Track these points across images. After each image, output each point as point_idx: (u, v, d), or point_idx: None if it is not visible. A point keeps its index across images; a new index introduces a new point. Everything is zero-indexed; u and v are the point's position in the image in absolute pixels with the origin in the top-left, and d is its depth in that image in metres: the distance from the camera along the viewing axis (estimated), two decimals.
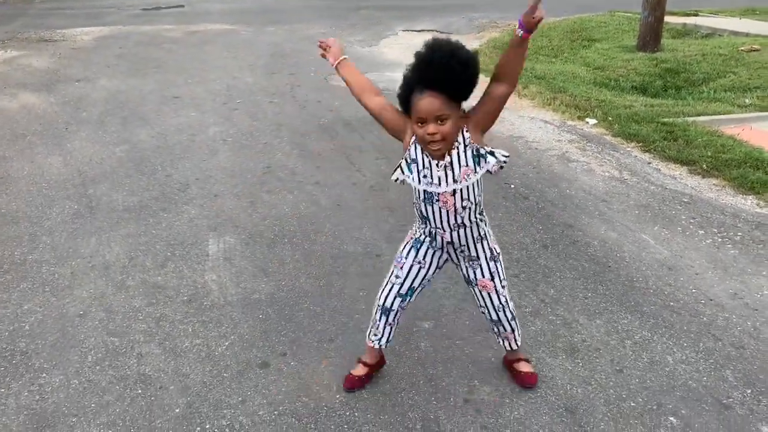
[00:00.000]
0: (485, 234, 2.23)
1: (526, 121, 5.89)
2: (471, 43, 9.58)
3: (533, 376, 2.48)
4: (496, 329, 2.41)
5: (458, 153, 2.02)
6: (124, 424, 2.28)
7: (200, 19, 12.24)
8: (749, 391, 2.46)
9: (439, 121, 1.92)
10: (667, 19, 9.88)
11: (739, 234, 3.72)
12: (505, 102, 2.04)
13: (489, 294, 2.29)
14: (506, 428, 2.27)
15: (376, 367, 2.50)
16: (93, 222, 3.82)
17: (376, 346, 2.42)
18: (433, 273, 2.31)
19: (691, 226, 3.81)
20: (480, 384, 2.48)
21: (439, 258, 2.29)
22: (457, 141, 2.01)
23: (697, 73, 7.93)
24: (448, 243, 2.20)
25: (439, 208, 2.10)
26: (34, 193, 4.24)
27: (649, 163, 4.88)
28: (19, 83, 7.17)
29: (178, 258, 3.42)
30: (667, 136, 5.29)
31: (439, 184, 2.05)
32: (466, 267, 2.27)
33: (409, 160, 2.09)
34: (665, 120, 5.68)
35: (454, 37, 2.11)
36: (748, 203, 4.15)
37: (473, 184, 2.06)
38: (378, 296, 2.36)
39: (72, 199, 4.13)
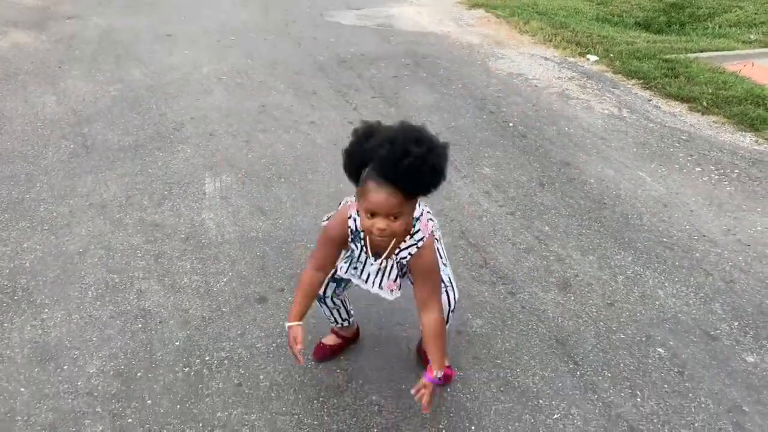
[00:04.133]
0: None
1: (526, 58, 5.79)
2: None
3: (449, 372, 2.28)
4: None
5: (393, 264, 1.88)
6: (126, 356, 2.35)
7: None
8: (736, 323, 2.52)
9: (391, 218, 1.64)
10: None
11: (736, 171, 3.71)
12: None
13: None
14: (497, 359, 2.34)
15: (349, 339, 2.39)
16: (89, 161, 3.81)
17: (337, 327, 2.34)
18: None
19: (689, 164, 3.81)
20: (472, 317, 2.54)
21: None
22: (400, 253, 1.82)
23: (702, 8, 7.75)
24: None
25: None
26: (29, 132, 4.21)
27: (650, 100, 4.82)
28: (9, 21, 7.00)
29: (175, 197, 3.43)
30: (668, 72, 5.22)
31: (366, 282, 1.93)
32: None
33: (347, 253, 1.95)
34: (667, 56, 5.58)
35: None
36: (746, 140, 4.13)
37: None
38: None
39: (67, 139, 4.11)
